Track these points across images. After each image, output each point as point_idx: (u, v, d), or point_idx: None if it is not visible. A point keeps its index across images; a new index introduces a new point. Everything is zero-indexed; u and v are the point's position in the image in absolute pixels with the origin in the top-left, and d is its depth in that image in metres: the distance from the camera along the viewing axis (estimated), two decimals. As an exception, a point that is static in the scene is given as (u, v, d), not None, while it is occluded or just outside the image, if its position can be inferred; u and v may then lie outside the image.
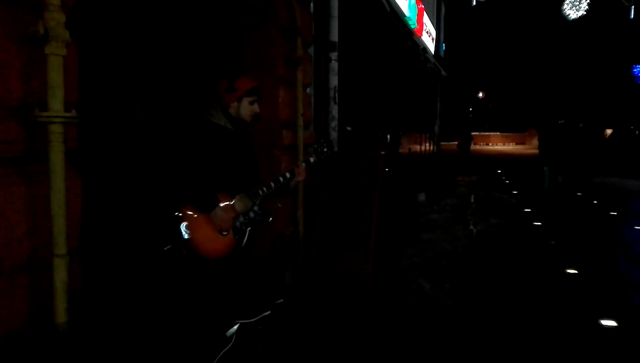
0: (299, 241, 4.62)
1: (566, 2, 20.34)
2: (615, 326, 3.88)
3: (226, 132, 2.48)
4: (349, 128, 6.52)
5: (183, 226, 2.25)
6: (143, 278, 2.86)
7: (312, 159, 2.80)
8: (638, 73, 17.98)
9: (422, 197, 9.66)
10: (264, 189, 2.51)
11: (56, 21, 2.04)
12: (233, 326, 2.43)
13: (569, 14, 20.27)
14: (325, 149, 2.83)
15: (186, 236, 2.24)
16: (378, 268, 4.62)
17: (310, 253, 4.60)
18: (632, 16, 28.28)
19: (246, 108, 2.51)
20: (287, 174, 2.61)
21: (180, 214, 2.25)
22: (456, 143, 22.16)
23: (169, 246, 2.21)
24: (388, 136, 9.25)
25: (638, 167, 14.35)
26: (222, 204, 2.34)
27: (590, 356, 3.41)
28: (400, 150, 10.23)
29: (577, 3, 20.23)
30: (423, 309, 4.20)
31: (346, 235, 4.57)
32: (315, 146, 2.85)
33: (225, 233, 2.34)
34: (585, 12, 20.08)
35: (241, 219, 2.43)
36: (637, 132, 14.73)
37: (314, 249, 4.59)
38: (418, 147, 13.04)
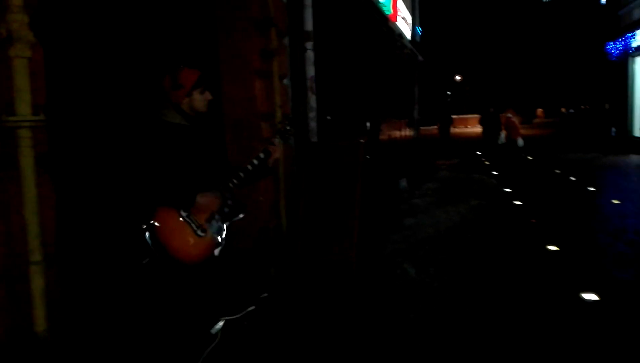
0: (282, 233, 4.62)
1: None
2: (597, 300, 3.97)
3: (183, 130, 2.39)
4: (329, 117, 6.50)
5: (159, 238, 2.20)
6: (123, 281, 2.83)
7: (277, 141, 2.71)
8: (612, 50, 18.22)
9: (403, 183, 9.71)
10: (234, 181, 2.47)
11: (19, 22, 1.99)
12: (218, 323, 2.42)
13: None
14: (288, 128, 2.76)
15: (163, 248, 2.20)
16: (363, 256, 4.65)
17: (294, 245, 4.60)
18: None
19: (199, 100, 2.42)
20: (261, 155, 2.56)
21: (155, 224, 2.19)
22: (436, 127, 22.30)
23: (147, 260, 2.18)
24: (368, 124, 9.25)
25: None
26: (198, 197, 2.31)
27: (573, 329, 3.48)
28: (381, 137, 10.25)
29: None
30: (409, 294, 4.24)
31: (330, 225, 4.57)
32: (279, 125, 2.82)
33: (202, 234, 2.30)
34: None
35: (216, 216, 2.39)
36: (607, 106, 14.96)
37: (298, 240, 4.59)
38: (398, 133, 13.08)
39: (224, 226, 2.43)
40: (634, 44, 16.23)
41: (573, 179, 10.51)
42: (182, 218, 2.27)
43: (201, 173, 2.39)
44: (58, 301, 2.19)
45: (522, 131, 14.27)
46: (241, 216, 2.51)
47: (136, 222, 2.18)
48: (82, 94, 2.80)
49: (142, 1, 3.34)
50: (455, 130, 30.47)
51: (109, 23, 3.00)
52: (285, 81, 5.00)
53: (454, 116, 31.88)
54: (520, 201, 8.17)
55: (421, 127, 18.41)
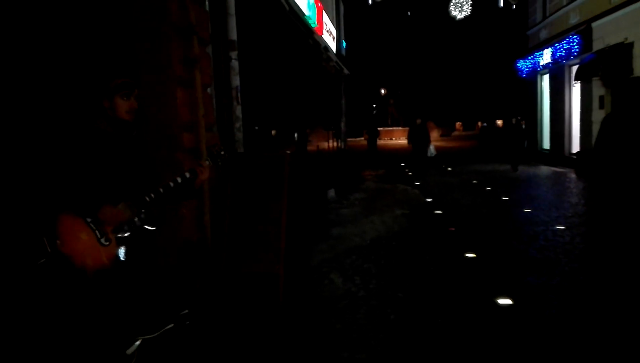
0: (207, 247, 4.48)
1: (451, 3, 21.65)
2: (511, 304, 4.18)
3: (106, 136, 2.36)
4: (256, 128, 6.45)
5: (59, 239, 2.11)
6: (29, 295, 2.61)
7: (207, 163, 2.65)
8: (522, 68, 19.64)
9: (331, 193, 9.82)
10: (152, 195, 2.38)
11: None
12: (134, 343, 2.28)
13: (455, 15, 21.63)
14: (222, 153, 2.71)
15: (61, 249, 2.11)
16: (290, 267, 4.61)
17: (219, 259, 4.47)
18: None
19: (121, 105, 2.37)
20: (187, 174, 2.47)
21: (57, 225, 2.11)
22: (363, 138, 22.81)
23: (43, 260, 2.05)
24: (295, 134, 9.29)
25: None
26: (107, 207, 2.21)
27: (489, 332, 3.64)
28: (309, 147, 10.32)
29: (461, 5, 21.60)
30: (335, 304, 4.25)
31: (256, 237, 4.50)
32: (213, 148, 2.75)
33: (106, 243, 2.20)
34: (469, 13, 21.49)
35: (125, 228, 2.31)
36: (522, 123, 16.03)
37: (223, 254, 4.47)
38: (326, 144, 13.25)
39: (132, 239, 2.33)
40: (542, 63, 17.54)
41: (488, 189, 11.10)
42: (88, 224, 2.21)
43: (115, 182, 2.30)
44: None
45: (442, 144, 14.92)
46: (151, 229, 2.40)
47: (33, 221, 2.07)
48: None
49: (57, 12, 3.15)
50: (381, 142, 31.41)
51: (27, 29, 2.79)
52: (209, 90, 4.89)
53: (380, 129, 32.89)
54: (441, 211, 8.51)
55: (349, 139, 18.77)
